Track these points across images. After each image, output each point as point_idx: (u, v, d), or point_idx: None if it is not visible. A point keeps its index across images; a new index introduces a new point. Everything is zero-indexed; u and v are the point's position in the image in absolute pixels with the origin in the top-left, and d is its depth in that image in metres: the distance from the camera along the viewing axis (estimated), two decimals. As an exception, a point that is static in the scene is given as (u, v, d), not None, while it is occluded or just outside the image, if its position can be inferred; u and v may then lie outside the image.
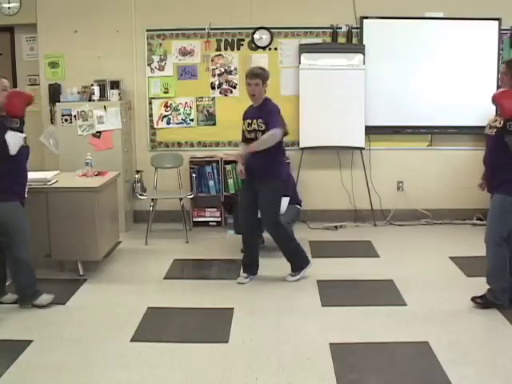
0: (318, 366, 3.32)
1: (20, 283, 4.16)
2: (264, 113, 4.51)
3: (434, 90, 6.30)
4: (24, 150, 4.08)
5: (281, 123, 4.50)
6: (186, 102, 6.49)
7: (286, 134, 4.63)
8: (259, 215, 4.70)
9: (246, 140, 4.60)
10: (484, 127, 4.09)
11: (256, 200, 4.61)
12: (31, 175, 5.02)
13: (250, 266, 4.78)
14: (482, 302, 4.07)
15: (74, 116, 6.04)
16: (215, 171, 6.37)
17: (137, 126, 6.54)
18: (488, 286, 4.06)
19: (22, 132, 4.01)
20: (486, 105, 6.32)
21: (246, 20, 6.33)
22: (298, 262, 4.77)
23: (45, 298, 4.21)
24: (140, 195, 6.12)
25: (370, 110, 6.32)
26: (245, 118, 4.65)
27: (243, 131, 4.67)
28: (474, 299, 4.12)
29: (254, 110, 4.59)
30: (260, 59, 6.32)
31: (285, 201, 5.16)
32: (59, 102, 6.22)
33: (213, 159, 6.41)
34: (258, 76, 4.50)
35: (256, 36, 6.38)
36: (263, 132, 4.46)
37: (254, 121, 4.51)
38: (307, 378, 3.21)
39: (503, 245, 3.98)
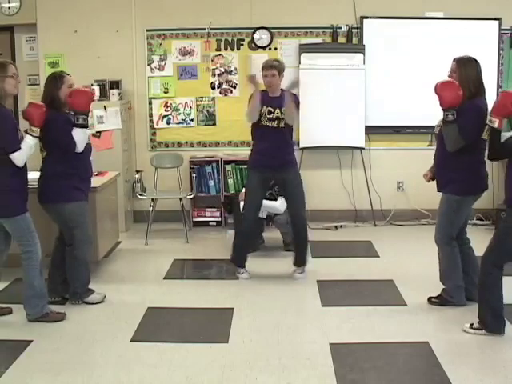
0: (318, 366, 3.32)
1: (75, 280, 4.21)
2: (285, 101, 4.53)
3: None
4: (88, 147, 4.14)
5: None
6: (186, 102, 6.49)
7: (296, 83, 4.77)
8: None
9: (265, 127, 4.57)
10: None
11: (264, 196, 4.75)
12: (31, 175, 5.03)
13: (245, 258, 4.83)
14: (437, 301, 4.13)
15: None
16: (215, 171, 6.37)
17: (137, 126, 6.54)
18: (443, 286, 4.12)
19: (87, 128, 4.09)
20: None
21: (246, 20, 6.33)
22: (305, 256, 4.84)
23: (96, 297, 4.28)
24: (140, 195, 6.12)
25: (369, 110, 6.32)
26: (264, 103, 4.56)
27: (261, 114, 4.55)
28: (429, 299, 4.18)
29: (274, 99, 4.56)
30: (260, 59, 6.31)
31: (284, 200, 5.16)
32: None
33: (213, 159, 6.41)
34: (274, 67, 4.56)
35: (256, 36, 6.38)
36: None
37: (278, 110, 4.53)
38: (307, 378, 3.21)
39: (453, 244, 4.02)
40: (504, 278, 4.73)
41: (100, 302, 4.27)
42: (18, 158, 3.71)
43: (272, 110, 4.54)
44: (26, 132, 3.82)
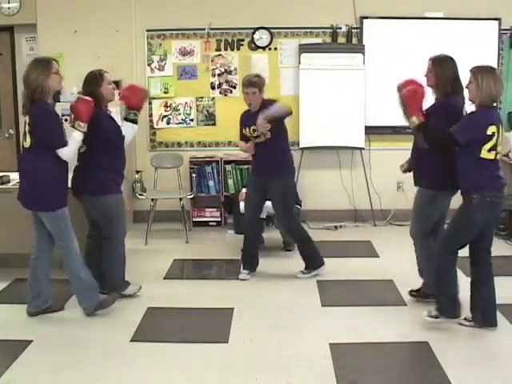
0: (318, 366, 3.32)
1: (112, 272, 4.25)
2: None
3: (433, 90, 6.30)
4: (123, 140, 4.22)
5: None
6: (186, 102, 6.49)
7: (291, 112, 4.62)
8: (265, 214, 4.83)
9: (256, 144, 4.62)
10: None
11: (263, 198, 4.74)
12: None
13: (250, 261, 4.82)
14: (417, 295, 4.18)
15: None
16: (215, 171, 6.37)
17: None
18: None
19: (136, 123, 4.20)
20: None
21: (246, 20, 6.33)
22: (310, 259, 4.82)
23: (132, 288, 4.37)
24: (140, 195, 6.12)
25: (369, 110, 6.32)
26: (246, 124, 4.64)
27: (245, 136, 4.68)
28: (410, 292, 4.25)
29: (255, 114, 4.56)
30: (260, 59, 6.33)
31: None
32: (59, 101, 6.21)
33: (213, 159, 6.41)
34: (254, 85, 4.55)
35: (256, 36, 6.38)
36: (271, 132, 4.49)
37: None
38: (307, 378, 3.21)
39: (429, 237, 4.05)
40: (502, 278, 4.77)
41: (136, 293, 4.37)
42: (65, 153, 3.77)
43: (255, 128, 4.53)
44: (72, 127, 3.86)
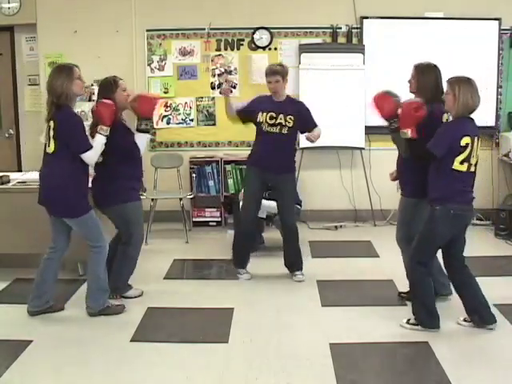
0: (318, 366, 3.32)
1: (120, 275, 4.29)
2: (295, 110, 4.54)
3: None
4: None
5: None
6: (186, 102, 6.49)
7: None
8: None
9: (266, 132, 4.55)
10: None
11: (263, 194, 4.75)
12: (31, 175, 5.04)
13: (245, 260, 4.81)
14: (406, 297, 4.19)
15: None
16: (215, 171, 6.38)
17: (137, 126, 6.53)
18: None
19: (149, 133, 4.22)
20: (486, 104, 6.38)
21: (246, 20, 6.33)
22: (301, 261, 4.80)
23: (133, 292, 4.40)
24: (140, 195, 6.10)
25: (369, 110, 6.30)
26: (264, 109, 4.55)
27: (259, 121, 4.56)
28: (399, 294, 4.28)
29: (279, 104, 4.55)
30: (260, 59, 6.32)
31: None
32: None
33: (213, 159, 6.41)
34: (277, 73, 4.52)
35: (256, 36, 6.38)
36: (289, 128, 4.51)
37: (281, 116, 4.50)
38: (307, 378, 3.21)
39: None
40: (502, 278, 4.77)
41: (138, 297, 4.38)
42: (89, 157, 3.81)
43: (274, 116, 4.51)
44: (95, 131, 3.89)
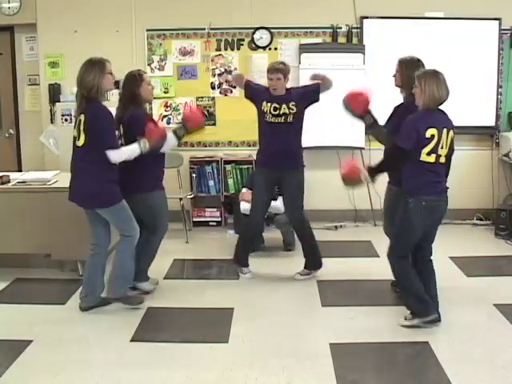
0: (318, 366, 3.32)
1: (137, 262, 4.25)
2: (293, 95, 4.55)
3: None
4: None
5: None
6: (186, 102, 6.49)
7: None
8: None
9: (270, 123, 4.56)
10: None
11: (272, 195, 4.76)
12: (31, 175, 5.04)
13: (246, 256, 4.84)
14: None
15: (74, 116, 6.03)
16: (215, 171, 6.37)
17: (137, 126, 6.53)
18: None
19: (179, 140, 4.34)
20: (486, 104, 6.38)
21: (246, 20, 6.33)
22: (315, 260, 4.80)
23: (147, 286, 4.44)
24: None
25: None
26: (266, 99, 4.55)
27: (264, 110, 4.56)
28: (392, 284, 4.34)
29: (278, 96, 4.54)
30: (260, 59, 6.32)
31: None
32: (59, 101, 6.22)
33: (213, 159, 6.41)
34: (279, 71, 4.51)
35: (256, 36, 6.38)
36: (294, 114, 4.50)
37: (284, 105, 4.50)
38: (307, 378, 3.21)
39: None
40: (503, 278, 4.77)
41: (152, 290, 4.44)
42: (113, 155, 3.82)
43: (278, 107, 4.51)
44: (136, 140, 3.94)
